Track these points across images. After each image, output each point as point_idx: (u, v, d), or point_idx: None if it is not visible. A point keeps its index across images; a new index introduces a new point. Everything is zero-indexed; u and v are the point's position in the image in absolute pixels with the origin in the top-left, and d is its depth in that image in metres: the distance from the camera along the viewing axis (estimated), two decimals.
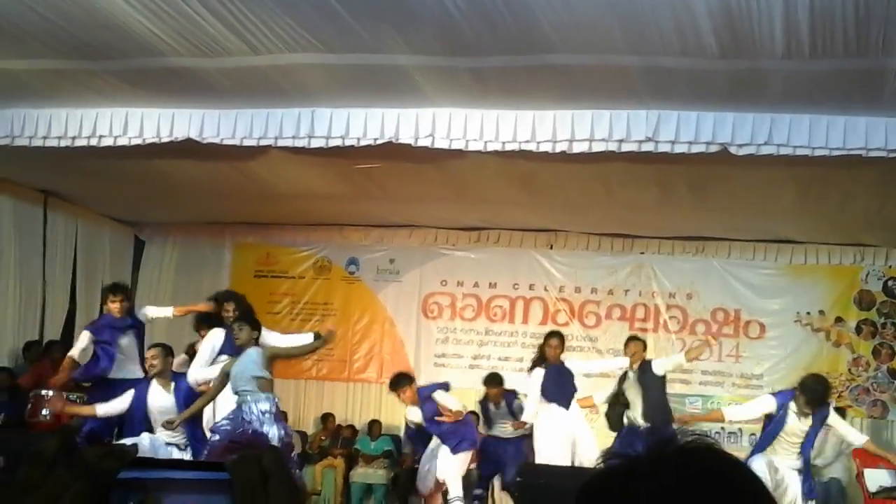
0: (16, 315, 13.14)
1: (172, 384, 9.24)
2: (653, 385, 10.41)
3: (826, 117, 8.05)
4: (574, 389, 10.61)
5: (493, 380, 11.30)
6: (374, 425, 13.84)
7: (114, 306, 10.16)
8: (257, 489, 1.25)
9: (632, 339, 11.02)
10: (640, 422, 10.26)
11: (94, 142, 9.48)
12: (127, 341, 10.21)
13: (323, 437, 13.85)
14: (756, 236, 13.76)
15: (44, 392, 11.06)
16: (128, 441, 8.91)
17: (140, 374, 9.98)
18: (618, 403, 10.57)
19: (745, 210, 12.02)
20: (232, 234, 15.51)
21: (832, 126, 8.05)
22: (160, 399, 9.18)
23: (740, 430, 13.44)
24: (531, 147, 8.65)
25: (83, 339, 10.30)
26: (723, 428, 13.35)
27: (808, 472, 9.25)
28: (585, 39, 7.05)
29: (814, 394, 9.03)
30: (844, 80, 7.40)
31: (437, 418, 10.38)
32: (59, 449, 1.24)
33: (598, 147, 8.50)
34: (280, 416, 8.86)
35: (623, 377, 10.64)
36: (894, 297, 13.68)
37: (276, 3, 6.84)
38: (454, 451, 10.40)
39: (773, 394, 9.64)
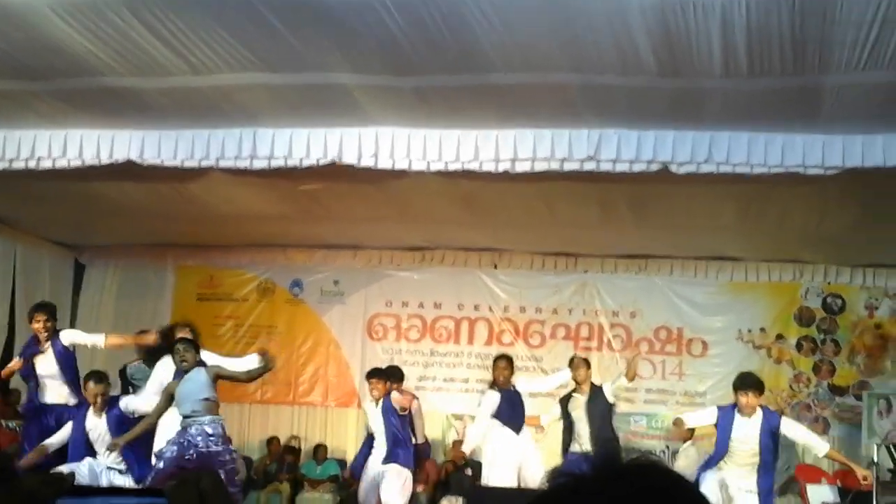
0: None
1: (105, 412, 9.19)
2: (603, 411, 10.47)
3: (764, 135, 8.16)
4: (524, 413, 10.63)
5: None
6: (319, 449, 13.75)
7: (37, 326, 9.87)
8: None
9: (580, 360, 11.01)
10: (588, 447, 10.28)
11: (32, 164, 9.34)
12: (47, 366, 9.91)
13: (268, 462, 13.73)
14: (698, 254, 13.88)
15: None
16: (66, 468, 8.79)
17: (73, 400, 9.84)
18: (566, 425, 10.61)
19: (687, 227, 12.13)
20: (174, 256, 15.36)
21: (770, 144, 8.16)
22: (97, 425, 9.16)
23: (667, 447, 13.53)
24: (474, 167, 8.67)
25: (14, 363, 10.14)
26: (667, 447, 13.45)
27: (767, 493, 9.15)
28: (526, 59, 7.09)
29: (744, 381, 9.14)
30: (782, 98, 7.51)
31: (394, 405, 10.21)
32: None
33: (540, 166, 8.54)
34: (227, 439, 8.78)
35: (567, 398, 10.67)
36: (833, 314, 13.85)
37: (217, 22, 6.80)
38: (394, 459, 10.16)
39: (718, 406, 9.67)
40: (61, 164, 9.32)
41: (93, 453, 9.13)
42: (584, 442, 10.37)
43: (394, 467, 10.17)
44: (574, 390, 10.69)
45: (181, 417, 8.66)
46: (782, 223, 11.49)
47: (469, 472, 12.31)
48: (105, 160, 9.22)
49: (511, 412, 10.50)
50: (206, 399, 8.61)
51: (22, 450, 9.73)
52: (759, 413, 9.05)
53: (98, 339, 10.22)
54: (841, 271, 13.79)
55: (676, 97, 7.62)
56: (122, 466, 9.08)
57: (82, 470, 8.82)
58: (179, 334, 9.58)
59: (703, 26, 6.35)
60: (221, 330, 14.77)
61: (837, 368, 13.77)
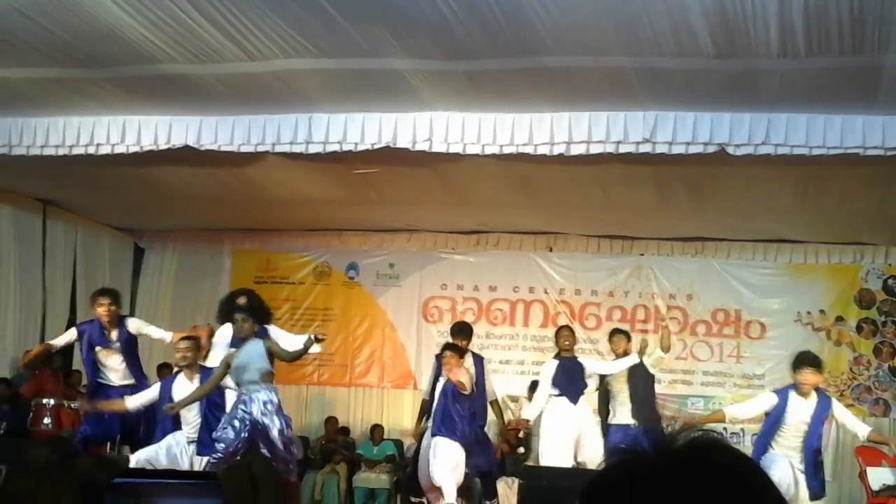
0: (16, 324, 13.13)
1: (198, 376, 9.20)
2: (645, 383, 10.42)
3: (823, 116, 8.05)
4: (584, 385, 10.55)
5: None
6: (376, 430, 13.80)
7: (101, 310, 9.90)
8: (248, 496, 1.25)
9: (617, 332, 10.98)
10: (630, 419, 10.27)
11: (91, 150, 9.49)
12: (110, 354, 10.04)
13: (324, 442, 13.82)
14: (755, 236, 13.75)
15: (45, 401, 11.07)
16: (145, 453, 8.94)
17: (131, 381, 9.98)
18: (602, 395, 10.61)
19: (744, 210, 12.01)
20: (231, 240, 15.50)
21: (829, 125, 8.05)
22: (185, 391, 9.14)
23: (742, 430, 13.43)
24: (528, 150, 8.64)
25: (69, 334, 10.29)
26: (725, 428, 13.35)
27: (813, 469, 9.14)
28: (580, 41, 7.05)
29: (802, 359, 9.07)
30: (840, 78, 7.40)
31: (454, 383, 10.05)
32: (51, 458, 1.24)
33: (595, 149, 8.50)
34: (281, 409, 8.82)
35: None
36: (894, 296, 13.67)
37: (271, 9, 6.83)
38: (443, 432, 9.94)
39: (775, 391, 9.61)
40: (120, 149, 9.44)
41: (178, 422, 9.22)
42: (626, 413, 10.35)
43: (441, 440, 9.85)
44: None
45: (237, 387, 8.77)
46: (842, 205, 11.34)
47: (522, 450, 12.27)
48: (163, 145, 9.34)
49: (567, 381, 10.40)
50: (263, 369, 8.68)
51: (81, 431, 9.87)
52: (814, 397, 8.99)
53: (166, 335, 10.18)
54: None
55: (733, 78, 7.54)
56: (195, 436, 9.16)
57: (160, 456, 8.95)
58: (238, 301, 9.65)
59: (760, 6, 6.27)
60: (279, 313, 14.81)
61: None
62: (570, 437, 10.27)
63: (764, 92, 7.74)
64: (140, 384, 9.87)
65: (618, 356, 10.58)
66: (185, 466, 8.96)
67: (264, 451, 8.47)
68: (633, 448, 1.32)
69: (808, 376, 8.92)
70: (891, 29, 6.52)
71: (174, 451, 9.09)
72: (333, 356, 14.63)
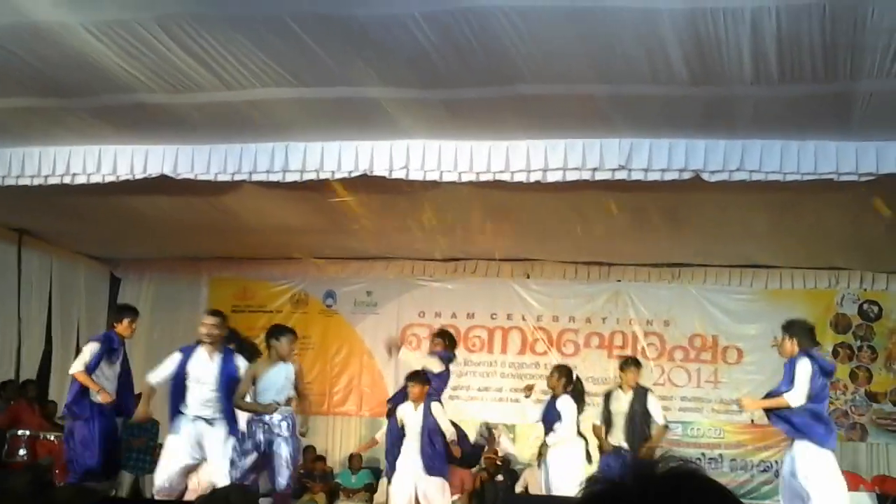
0: None
1: (220, 354, 9.20)
2: (643, 414, 10.44)
3: (797, 142, 8.11)
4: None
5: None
6: (353, 458, 13.77)
7: (132, 327, 10.30)
8: None
9: (631, 360, 10.98)
10: (622, 443, 10.30)
11: (67, 179, 9.44)
12: (111, 366, 10.09)
13: (302, 471, 13.75)
14: (731, 262, 13.82)
15: (20, 432, 10.99)
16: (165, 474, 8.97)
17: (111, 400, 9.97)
18: (605, 420, 10.64)
19: (720, 236, 12.07)
20: (208, 269, 15.46)
21: (803, 151, 8.11)
22: (201, 366, 9.15)
23: (721, 455, 13.49)
24: (505, 177, 8.67)
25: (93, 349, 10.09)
26: (703, 454, 13.39)
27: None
28: (555, 70, 7.08)
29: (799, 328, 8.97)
30: (814, 105, 7.46)
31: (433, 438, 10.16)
32: (28, 487, 1.24)
33: (571, 176, 8.53)
34: (296, 434, 8.99)
35: (609, 395, 10.67)
36: (869, 320, 13.76)
37: (247, 38, 6.84)
38: (436, 471, 10.11)
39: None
40: (95, 179, 9.41)
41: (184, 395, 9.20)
42: (619, 438, 10.40)
43: (437, 481, 10.13)
44: (619, 387, 10.68)
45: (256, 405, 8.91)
46: (816, 230, 11.41)
47: (501, 478, 12.28)
48: (139, 175, 9.31)
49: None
50: (289, 394, 8.97)
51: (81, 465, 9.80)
52: None
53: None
54: (877, 278, 13.70)
55: (708, 105, 7.60)
56: (212, 415, 9.10)
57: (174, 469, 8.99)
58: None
59: (734, 34, 6.32)
60: (257, 342, 14.80)
61: (874, 375, 13.68)
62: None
63: (738, 119, 7.80)
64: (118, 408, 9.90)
65: (623, 383, 10.60)
66: (219, 453, 8.96)
67: (273, 477, 8.76)
68: (610, 478, 1.33)
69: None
70: (863, 56, 6.58)
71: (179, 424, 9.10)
72: (311, 384, 14.56)
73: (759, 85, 7.07)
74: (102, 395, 9.73)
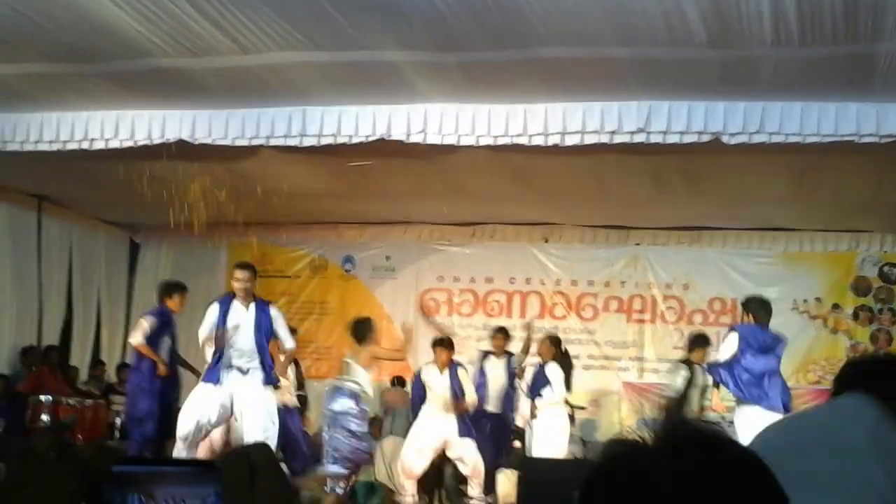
0: (12, 321, 13.13)
1: (253, 304, 9.35)
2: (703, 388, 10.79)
3: (817, 104, 8.05)
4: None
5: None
6: (373, 423, 13.79)
7: (183, 302, 10.59)
8: (245, 485, 1.25)
9: (703, 340, 11.09)
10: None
11: (85, 145, 9.48)
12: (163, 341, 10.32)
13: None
14: (751, 225, 13.76)
15: (43, 398, 11.08)
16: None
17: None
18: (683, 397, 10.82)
19: (739, 199, 12.01)
20: (227, 234, 15.44)
21: (823, 113, 8.05)
22: (238, 316, 9.28)
23: (723, 417, 13.50)
24: (523, 141, 8.65)
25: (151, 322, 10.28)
26: (723, 417, 13.38)
27: None
28: (573, 31, 7.04)
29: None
30: (834, 66, 7.40)
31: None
32: (51, 446, 1.25)
33: (589, 139, 8.50)
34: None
35: (691, 378, 10.75)
36: (890, 283, 13.70)
37: (265, 2, 6.82)
38: (468, 433, 10.40)
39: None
40: (113, 144, 9.44)
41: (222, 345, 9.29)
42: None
43: (469, 442, 10.40)
44: (689, 365, 10.81)
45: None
46: (837, 193, 11.35)
47: (518, 444, 12.28)
48: (157, 140, 9.33)
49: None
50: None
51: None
52: None
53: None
54: None
55: (727, 67, 7.53)
56: (247, 365, 9.23)
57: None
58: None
59: None
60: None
61: (895, 337, 13.62)
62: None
63: (758, 81, 7.73)
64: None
65: (694, 362, 10.80)
66: (252, 403, 9.15)
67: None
68: (631, 440, 1.31)
69: None
70: (884, 17, 6.52)
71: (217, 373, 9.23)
72: (331, 349, 14.62)
73: (778, 46, 7.00)
74: (161, 366, 9.89)
